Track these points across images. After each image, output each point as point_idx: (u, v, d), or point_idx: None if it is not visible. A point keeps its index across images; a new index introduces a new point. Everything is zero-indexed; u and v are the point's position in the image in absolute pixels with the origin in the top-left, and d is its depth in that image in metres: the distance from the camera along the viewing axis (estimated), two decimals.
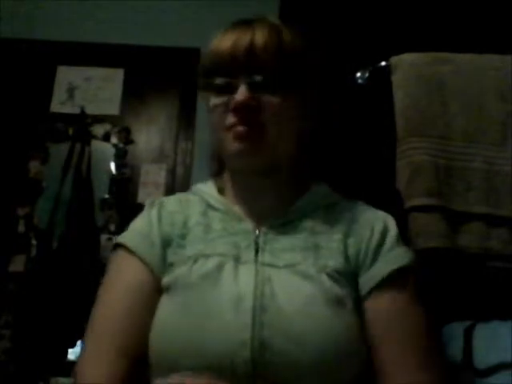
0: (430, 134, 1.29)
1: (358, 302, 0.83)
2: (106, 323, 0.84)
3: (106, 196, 2.25)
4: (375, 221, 0.91)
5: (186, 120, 2.37)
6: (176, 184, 2.31)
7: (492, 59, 1.36)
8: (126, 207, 2.25)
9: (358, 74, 1.43)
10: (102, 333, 0.83)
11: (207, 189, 0.99)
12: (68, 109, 2.37)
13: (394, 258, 0.86)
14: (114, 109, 2.38)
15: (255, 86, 0.86)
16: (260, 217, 0.90)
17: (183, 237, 0.90)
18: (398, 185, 1.29)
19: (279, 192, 0.93)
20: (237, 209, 0.93)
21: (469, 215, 1.24)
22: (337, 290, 0.80)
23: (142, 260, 0.87)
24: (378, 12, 1.72)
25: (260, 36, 0.87)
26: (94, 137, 2.32)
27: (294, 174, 0.95)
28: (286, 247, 0.86)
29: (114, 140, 2.33)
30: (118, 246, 0.91)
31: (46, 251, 2.12)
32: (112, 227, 2.21)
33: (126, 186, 2.28)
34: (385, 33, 1.65)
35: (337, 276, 0.82)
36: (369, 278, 0.84)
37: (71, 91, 2.40)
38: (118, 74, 2.42)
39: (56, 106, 2.38)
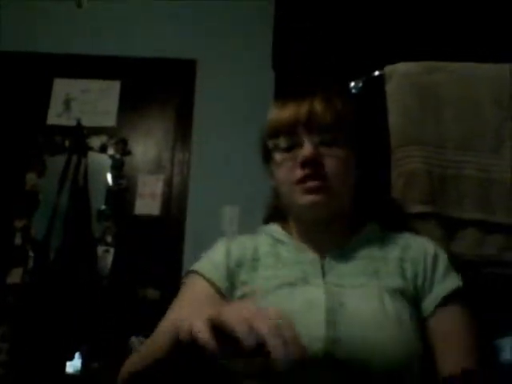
0: (424, 142, 1.29)
1: (417, 319, 0.93)
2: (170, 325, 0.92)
3: (103, 207, 2.26)
4: (426, 246, 1.02)
5: (182, 131, 2.38)
6: (173, 195, 2.31)
7: (486, 67, 1.37)
8: (123, 218, 2.26)
9: (352, 84, 1.44)
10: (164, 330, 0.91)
11: (274, 228, 1.09)
12: (65, 121, 2.38)
13: (450, 279, 0.97)
14: (110, 120, 2.39)
15: (317, 142, 0.98)
16: (323, 250, 1.01)
17: (256, 260, 1.01)
18: (393, 193, 1.30)
19: (340, 235, 1.03)
20: (302, 243, 1.04)
21: (464, 222, 1.24)
22: (397, 306, 0.90)
23: (207, 279, 0.98)
24: (371, 21, 1.73)
25: (318, 101, 1.00)
26: (91, 148, 2.33)
27: (351, 218, 1.06)
28: (349, 272, 0.97)
29: (110, 151, 2.34)
30: (191, 271, 1.03)
31: (43, 263, 2.12)
32: (109, 238, 2.21)
33: (123, 197, 2.29)
34: (379, 42, 1.66)
35: (396, 295, 0.92)
36: (431, 300, 0.95)
37: (68, 103, 2.41)
38: (115, 86, 2.43)
39: (53, 118, 2.39)
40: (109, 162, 2.32)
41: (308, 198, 0.97)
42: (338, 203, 1.00)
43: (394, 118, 1.33)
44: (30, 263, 2.16)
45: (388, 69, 1.39)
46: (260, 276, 0.98)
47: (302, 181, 0.97)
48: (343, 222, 1.05)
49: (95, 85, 2.43)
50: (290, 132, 1.00)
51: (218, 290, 0.97)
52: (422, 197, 1.24)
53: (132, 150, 2.36)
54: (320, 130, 0.99)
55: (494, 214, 1.24)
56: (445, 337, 0.93)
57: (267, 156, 1.06)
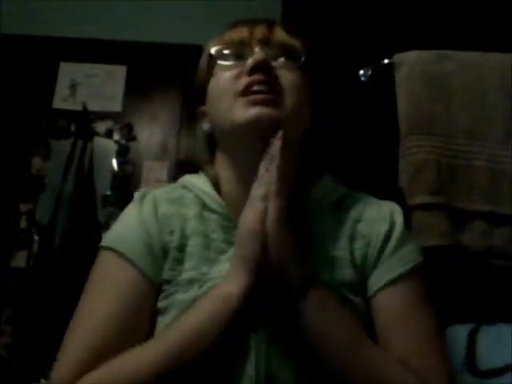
0: (432, 131, 1.28)
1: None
2: (89, 328, 0.76)
3: (108, 193, 2.25)
4: (381, 220, 0.84)
5: (188, 117, 2.37)
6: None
7: (495, 57, 1.35)
8: (128, 204, 2.25)
9: (361, 72, 1.43)
10: (83, 336, 0.75)
11: (201, 183, 0.87)
12: (70, 105, 2.37)
13: (397, 261, 0.80)
14: (116, 105, 2.37)
15: (271, 55, 0.81)
16: None
17: (181, 248, 0.80)
18: (400, 183, 1.29)
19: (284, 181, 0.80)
20: (236, 212, 0.80)
21: (471, 213, 1.24)
22: (347, 309, 0.76)
23: (141, 272, 0.78)
24: (381, 9, 1.71)
25: (274, 25, 0.85)
26: (97, 133, 2.32)
27: (299, 163, 0.86)
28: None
29: (116, 137, 2.32)
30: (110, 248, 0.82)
31: (47, 247, 2.12)
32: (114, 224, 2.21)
33: (128, 183, 2.28)
34: (388, 30, 1.65)
35: (345, 292, 0.77)
36: (372, 283, 0.80)
37: (74, 88, 2.40)
38: (121, 71, 2.42)
39: (58, 103, 2.38)
40: (114, 147, 2.31)
41: (254, 111, 0.75)
42: (289, 126, 0.77)
43: (403, 107, 1.32)
44: (35, 247, 2.16)
45: (397, 57, 1.38)
46: (186, 279, 0.77)
47: (247, 90, 0.77)
48: (289, 167, 0.79)
49: (101, 69, 2.42)
50: (241, 43, 0.82)
51: (155, 286, 0.78)
52: (430, 187, 1.24)
53: (137, 136, 2.35)
54: (276, 44, 0.82)
55: (502, 206, 1.24)
56: (387, 324, 0.77)
57: (206, 77, 0.86)
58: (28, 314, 2.02)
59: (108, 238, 0.84)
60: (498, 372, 1.12)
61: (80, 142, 2.27)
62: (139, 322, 0.77)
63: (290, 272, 0.71)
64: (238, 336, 0.71)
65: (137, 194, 0.90)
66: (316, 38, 0.92)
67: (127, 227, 0.84)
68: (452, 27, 1.64)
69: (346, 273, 0.79)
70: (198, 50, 2.65)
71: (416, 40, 1.48)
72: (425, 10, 1.70)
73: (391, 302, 0.78)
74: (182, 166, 0.87)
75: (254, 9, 2.37)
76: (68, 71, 2.42)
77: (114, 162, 2.29)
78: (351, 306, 0.77)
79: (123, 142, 2.32)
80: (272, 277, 0.71)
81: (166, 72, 2.41)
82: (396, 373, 0.72)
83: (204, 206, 0.84)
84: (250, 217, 0.72)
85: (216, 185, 0.87)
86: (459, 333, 1.18)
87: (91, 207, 2.18)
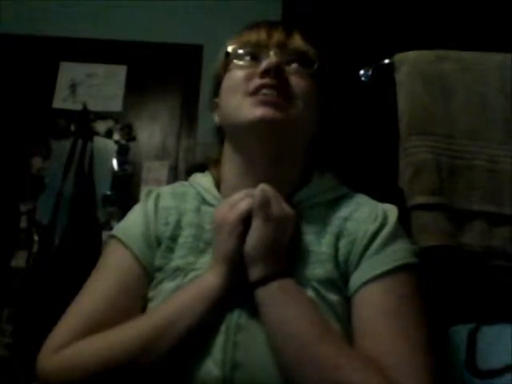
0: (433, 131, 1.28)
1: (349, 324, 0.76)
2: (86, 302, 0.83)
3: (108, 192, 2.25)
4: (371, 220, 0.82)
5: (188, 117, 2.37)
6: (178, 181, 2.31)
7: (495, 56, 1.35)
8: (128, 204, 2.25)
9: (362, 72, 1.43)
10: (80, 308, 0.83)
11: (204, 181, 0.93)
12: (70, 105, 2.37)
13: (381, 260, 0.78)
14: (116, 105, 2.38)
15: (284, 60, 0.85)
16: None
17: (174, 239, 0.85)
18: (400, 183, 1.29)
19: (282, 181, 0.84)
20: None
21: (471, 213, 1.23)
22: (320, 305, 0.75)
23: (138, 259, 0.84)
24: (381, 9, 1.71)
25: (293, 30, 0.89)
26: (97, 133, 2.33)
27: (300, 163, 0.89)
28: None
29: (116, 137, 2.33)
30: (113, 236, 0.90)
31: (47, 247, 2.12)
32: (113, 223, 2.21)
33: (128, 183, 2.28)
34: (388, 30, 1.65)
35: (321, 288, 0.76)
36: (354, 281, 0.78)
37: (74, 87, 2.40)
38: (121, 71, 2.42)
39: (58, 102, 2.38)
40: (114, 147, 2.32)
41: (260, 111, 0.79)
42: (295, 132, 0.83)
43: (403, 107, 1.32)
44: (35, 247, 2.16)
45: (397, 57, 1.38)
46: (174, 266, 0.82)
47: (257, 92, 0.81)
48: (289, 168, 0.86)
49: (101, 69, 2.42)
50: (258, 45, 0.86)
51: (148, 273, 0.83)
52: (430, 187, 1.24)
53: (137, 136, 2.35)
54: (291, 50, 0.85)
55: (502, 206, 1.24)
56: (365, 322, 0.75)
57: (221, 72, 0.90)
58: (28, 313, 2.02)
59: (115, 229, 0.92)
60: (498, 372, 1.12)
61: (80, 142, 2.27)
62: (132, 301, 0.82)
63: (258, 265, 0.75)
64: (213, 322, 0.75)
65: (143, 191, 0.96)
66: (316, 38, 0.92)
67: (131, 219, 0.91)
68: (452, 27, 1.64)
69: (326, 269, 0.78)
70: (198, 49, 2.67)
71: (416, 40, 1.48)
72: (425, 10, 1.70)
73: (370, 300, 0.76)
74: (193, 168, 0.90)
75: (254, 9, 2.37)
76: (68, 71, 2.42)
77: (114, 162, 2.30)
78: (325, 303, 0.76)
79: (123, 141, 2.33)
80: (245, 269, 0.76)
81: (167, 72, 2.41)
82: (355, 372, 0.68)
83: (203, 201, 0.89)
84: (225, 209, 0.79)
85: (218, 183, 0.92)
86: (459, 333, 1.18)
87: (91, 207, 2.19)
